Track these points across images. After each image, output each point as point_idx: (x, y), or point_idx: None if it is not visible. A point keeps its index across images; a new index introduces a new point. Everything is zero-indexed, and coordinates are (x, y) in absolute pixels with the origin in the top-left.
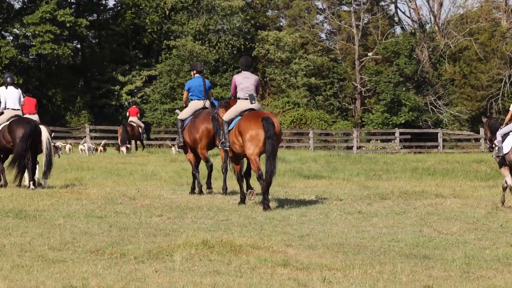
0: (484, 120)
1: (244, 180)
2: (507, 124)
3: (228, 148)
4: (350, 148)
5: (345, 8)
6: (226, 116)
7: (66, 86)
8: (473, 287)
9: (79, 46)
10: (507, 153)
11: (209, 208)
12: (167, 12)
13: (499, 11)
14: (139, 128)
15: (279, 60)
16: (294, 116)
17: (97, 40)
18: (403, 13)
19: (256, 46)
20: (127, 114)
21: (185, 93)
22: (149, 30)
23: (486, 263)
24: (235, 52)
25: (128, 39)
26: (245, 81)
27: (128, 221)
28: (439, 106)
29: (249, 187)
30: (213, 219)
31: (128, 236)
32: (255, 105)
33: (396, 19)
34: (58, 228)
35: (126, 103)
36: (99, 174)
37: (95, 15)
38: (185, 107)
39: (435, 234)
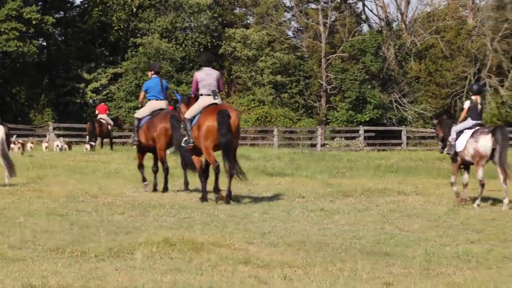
0: (436, 121)
1: (210, 178)
2: (461, 121)
3: (191, 145)
4: (314, 145)
5: (312, 6)
6: (189, 113)
7: (31, 83)
8: (433, 284)
9: (45, 43)
10: (459, 151)
11: (172, 206)
12: (134, 9)
13: (465, 9)
14: (108, 126)
15: (245, 58)
16: (259, 114)
17: (63, 37)
18: (371, 11)
19: (223, 44)
20: (96, 111)
21: (142, 93)
22: (115, 28)
23: (446, 260)
24: (201, 49)
25: (94, 36)
26: (207, 77)
27: (90, 219)
28: (404, 103)
29: (228, 189)
30: (175, 217)
31: (89, 234)
32: (218, 101)
33: (363, 17)
34: (18, 226)
35: (91, 100)
36: (61, 172)
37: (61, 12)
38: (141, 107)
39: (396, 231)
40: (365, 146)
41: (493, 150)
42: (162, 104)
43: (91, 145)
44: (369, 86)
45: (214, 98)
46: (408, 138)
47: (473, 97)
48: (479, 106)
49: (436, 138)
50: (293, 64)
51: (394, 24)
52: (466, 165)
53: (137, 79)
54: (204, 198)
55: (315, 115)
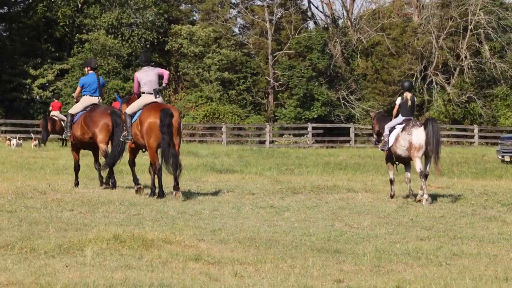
0: (373, 114)
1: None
2: (394, 118)
3: (130, 141)
4: (263, 142)
5: (258, 2)
6: (129, 109)
7: None
8: (383, 281)
9: None
10: (391, 146)
11: (121, 203)
12: (80, 5)
13: (410, 6)
14: (61, 122)
15: (192, 55)
16: (207, 111)
17: (7, 33)
18: (316, 8)
19: (169, 40)
20: (50, 108)
21: (78, 88)
22: (61, 24)
23: (397, 257)
24: (148, 46)
25: (39, 32)
26: (147, 76)
27: (39, 216)
28: (351, 101)
29: (175, 188)
30: (124, 214)
31: (38, 230)
32: (159, 99)
33: (309, 14)
34: None
35: (38, 96)
36: (9, 168)
37: (5, 7)
38: (77, 102)
39: (346, 228)
40: (313, 143)
41: (427, 142)
42: (93, 100)
43: (39, 142)
44: (316, 83)
45: (156, 97)
46: (356, 135)
47: (404, 94)
48: (409, 103)
49: (372, 131)
50: (240, 61)
51: (340, 21)
52: (400, 161)
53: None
54: (155, 193)
55: (263, 112)
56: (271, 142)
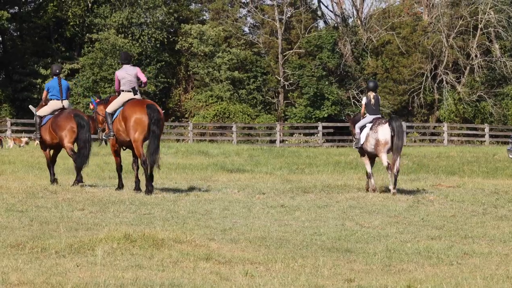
0: (348, 117)
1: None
2: (362, 117)
3: (112, 138)
4: (273, 142)
5: (268, 1)
6: (110, 108)
7: None
8: (394, 280)
9: (0, 38)
10: (363, 143)
11: (132, 202)
12: (90, 5)
13: (420, 5)
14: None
15: (202, 54)
16: (217, 110)
17: (18, 32)
18: (326, 7)
19: (179, 40)
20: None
21: (44, 92)
22: (71, 23)
23: (407, 256)
24: (158, 45)
25: (50, 32)
26: (127, 75)
27: (50, 215)
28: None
29: (149, 178)
30: (135, 213)
31: (49, 230)
32: (138, 97)
33: (319, 13)
34: None
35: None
36: (20, 167)
37: (16, 7)
38: (45, 105)
39: (357, 227)
40: (324, 142)
41: (392, 138)
42: (60, 104)
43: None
44: (327, 83)
45: (134, 95)
46: None
47: (368, 93)
48: (373, 101)
49: (351, 133)
50: (250, 60)
51: (350, 21)
52: (371, 157)
53: (94, 75)
54: (139, 187)
55: (274, 111)
56: (282, 141)
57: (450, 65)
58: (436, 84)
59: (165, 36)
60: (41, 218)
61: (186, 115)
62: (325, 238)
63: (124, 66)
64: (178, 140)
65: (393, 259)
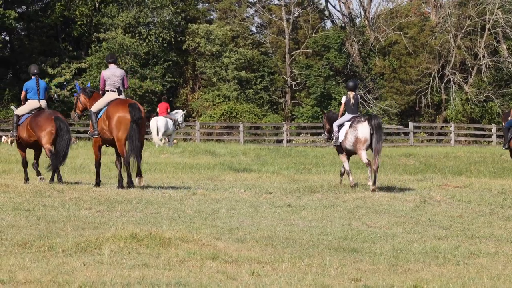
0: (324, 115)
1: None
2: (341, 116)
3: (96, 136)
4: (280, 141)
5: (275, 1)
6: (95, 107)
7: None
8: (401, 280)
9: (7, 38)
10: (342, 141)
11: (138, 201)
12: (97, 4)
13: (428, 5)
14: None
15: (209, 54)
16: (225, 110)
17: (26, 32)
18: (333, 7)
19: (186, 39)
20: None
21: (23, 93)
22: (78, 23)
23: (414, 256)
24: (165, 45)
25: (57, 31)
26: (112, 75)
27: (57, 214)
28: (369, 100)
29: (137, 174)
30: (142, 212)
31: (56, 229)
32: (122, 97)
33: (326, 13)
34: None
35: (55, 95)
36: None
37: (24, 7)
38: (23, 104)
39: (363, 227)
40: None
41: (371, 136)
42: (38, 104)
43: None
44: (334, 82)
45: (119, 95)
46: None
47: (348, 93)
48: (352, 101)
49: (323, 129)
50: (257, 60)
51: (357, 20)
52: (349, 154)
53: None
54: (123, 185)
55: (281, 111)
56: (289, 141)
57: (458, 65)
58: (443, 84)
59: (172, 35)
60: (48, 217)
61: (193, 115)
62: (332, 237)
63: (110, 66)
64: (185, 140)
65: (400, 259)
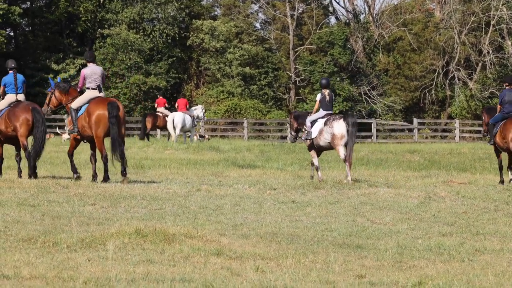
0: (290, 114)
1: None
2: (315, 112)
3: (76, 134)
4: (284, 137)
5: None
6: (75, 104)
7: None
8: (406, 276)
9: (12, 34)
10: (315, 137)
11: (143, 197)
12: (101, 0)
13: (432, 1)
14: (165, 118)
15: (213, 50)
16: (229, 106)
17: (30, 28)
18: (338, 3)
19: (190, 35)
20: (156, 105)
21: (1, 88)
22: (83, 19)
23: (419, 253)
24: (169, 41)
25: (62, 27)
26: (93, 73)
27: (61, 210)
28: (373, 96)
29: (123, 173)
30: (146, 208)
31: (61, 224)
32: (102, 95)
33: (330, 9)
34: None
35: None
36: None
37: (28, 2)
38: (2, 99)
39: (368, 223)
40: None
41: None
42: (15, 97)
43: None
44: (338, 79)
45: (99, 92)
46: (378, 130)
47: (323, 91)
48: (327, 98)
49: (290, 129)
50: (261, 56)
51: (362, 17)
52: (321, 150)
53: (105, 70)
54: (96, 179)
55: (285, 107)
56: None
57: (462, 62)
58: (448, 81)
59: (177, 31)
60: (53, 212)
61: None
62: (336, 234)
63: (90, 64)
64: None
65: (404, 255)
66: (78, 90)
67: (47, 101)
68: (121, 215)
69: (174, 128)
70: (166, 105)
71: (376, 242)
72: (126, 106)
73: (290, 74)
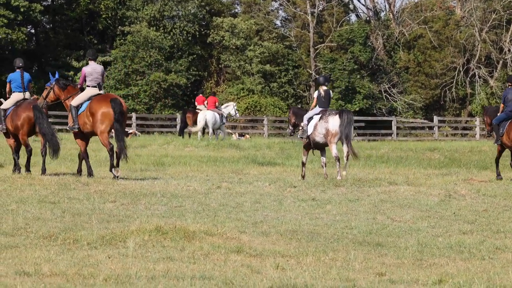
0: (289, 110)
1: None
2: (312, 109)
3: (77, 130)
4: None
5: None
6: (75, 101)
7: None
8: (426, 274)
9: (33, 31)
10: (311, 134)
11: (163, 195)
12: None
13: None
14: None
15: (234, 47)
16: (249, 103)
17: (51, 25)
18: (358, 0)
19: (211, 33)
20: (196, 103)
21: (7, 85)
22: (103, 16)
23: (439, 251)
24: (190, 38)
25: (82, 24)
26: (93, 72)
27: (81, 207)
28: (393, 94)
29: (116, 165)
30: (166, 206)
31: (81, 222)
32: (102, 92)
33: (351, 6)
34: (10, 213)
35: None
36: (52, 159)
37: (49, 0)
38: (9, 97)
39: (388, 221)
40: (355, 136)
41: (343, 128)
42: (22, 95)
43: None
44: (358, 76)
45: (100, 90)
46: (398, 128)
47: (319, 88)
48: (324, 95)
49: (288, 123)
50: (282, 54)
51: (382, 14)
52: (317, 147)
53: (126, 68)
54: (90, 174)
55: (305, 105)
56: None
57: (483, 59)
58: (468, 78)
59: (197, 29)
60: (73, 209)
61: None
62: (356, 231)
63: (91, 63)
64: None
65: (425, 253)
66: (79, 87)
67: (44, 95)
68: (141, 212)
69: (206, 125)
70: (217, 104)
71: (396, 240)
72: (146, 104)
73: (310, 72)
